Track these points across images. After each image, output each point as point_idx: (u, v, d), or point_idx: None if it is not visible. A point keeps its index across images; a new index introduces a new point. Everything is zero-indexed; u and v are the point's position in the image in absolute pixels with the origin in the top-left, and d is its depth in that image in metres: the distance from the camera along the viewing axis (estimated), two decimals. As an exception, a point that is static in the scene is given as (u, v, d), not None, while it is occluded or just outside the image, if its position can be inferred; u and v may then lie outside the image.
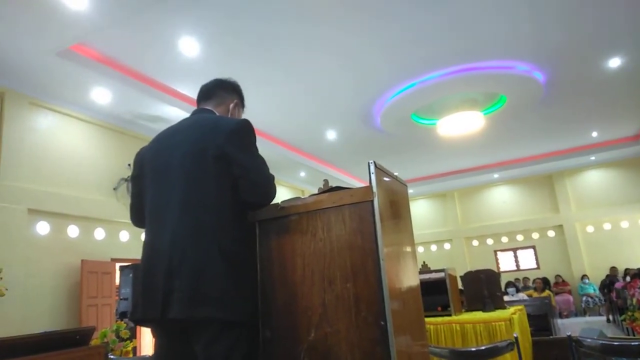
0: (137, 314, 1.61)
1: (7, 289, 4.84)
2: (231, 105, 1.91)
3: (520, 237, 13.87)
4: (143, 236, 1.72)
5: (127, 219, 1.97)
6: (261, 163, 1.67)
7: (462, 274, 5.04)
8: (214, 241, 1.53)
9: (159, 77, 6.21)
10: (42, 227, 5.95)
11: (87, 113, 6.73)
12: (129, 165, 6.43)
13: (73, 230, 6.35)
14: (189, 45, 5.45)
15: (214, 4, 4.81)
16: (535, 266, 13.56)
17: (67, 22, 4.64)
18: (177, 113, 6.68)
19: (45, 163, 6.12)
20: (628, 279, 9.41)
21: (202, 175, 1.60)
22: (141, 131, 7.36)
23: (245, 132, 1.68)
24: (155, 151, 1.76)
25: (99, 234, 6.73)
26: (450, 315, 4.17)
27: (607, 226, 12.72)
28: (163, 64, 5.86)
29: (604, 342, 2.52)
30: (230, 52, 5.74)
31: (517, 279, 12.73)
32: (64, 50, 5.14)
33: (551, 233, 13.44)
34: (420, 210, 15.24)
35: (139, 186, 1.80)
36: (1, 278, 4.86)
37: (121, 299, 4.93)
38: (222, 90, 1.91)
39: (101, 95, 6.30)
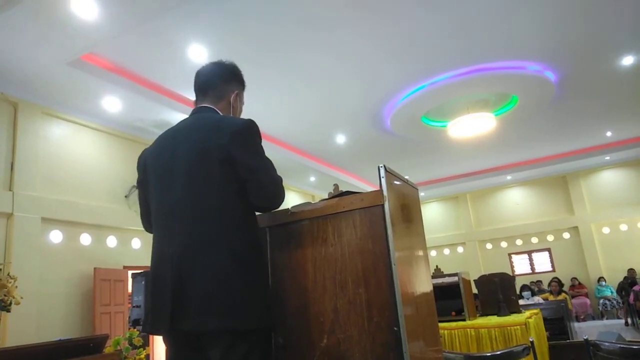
0: (147, 327, 1.58)
1: (22, 298, 4.88)
2: (232, 97, 1.80)
3: (534, 240, 13.68)
4: (153, 242, 1.69)
5: (139, 226, 1.95)
6: (268, 165, 1.61)
7: (476, 277, 4.98)
8: (224, 246, 1.48)
9: (169, 84, 6.25)
10: (55, 236, 6.00)
11: (98, 121, 6.79)
12: (140, 172, 6.45)
13: (85, 239, 6.40)
14: (197, 52, 5.48)
15: (222, 11, 4.84)
16: (550, 269, 13.36)
17: (78, 32, 4.69)
18: (187, 120, 6.69)
19: (58, 172, 6.17)
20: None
21: (208, 179, 1.54)
22: (152, 138, 7.27)
23: (250, 133, 1.60)
24: (157, 154, 1.70)
25: (111, 241, 6.77)
26: (464, 320, 4.12)
27: (623, 227, 12.50)
28: (172, 71, 5.90)
29: (622, 345, 2.46)
30: (239, 58, 5.63)
31: (532, 282, 12.57)
32: (75, 60, 5.19)
33: (566, 235, 13.24)
34: (432, 213, 15.11)
35: (145, 191, 1.74)
36: (16, 287, 4.90)
37: (134, 307, 4.96)
38: (221, 81, 1.79)
39: (112, 103, 6.36)
